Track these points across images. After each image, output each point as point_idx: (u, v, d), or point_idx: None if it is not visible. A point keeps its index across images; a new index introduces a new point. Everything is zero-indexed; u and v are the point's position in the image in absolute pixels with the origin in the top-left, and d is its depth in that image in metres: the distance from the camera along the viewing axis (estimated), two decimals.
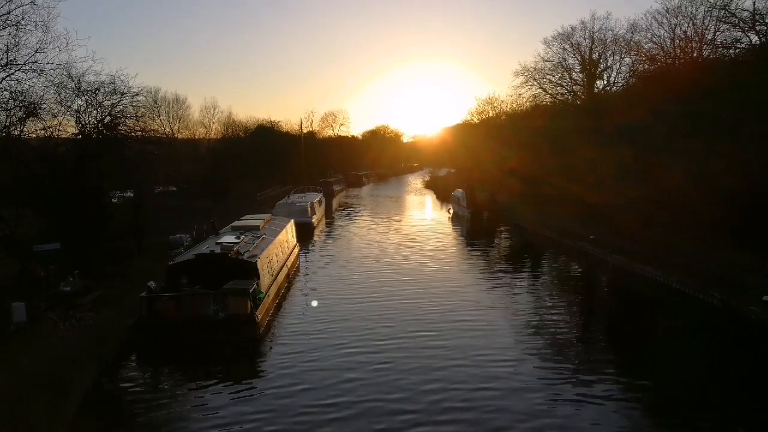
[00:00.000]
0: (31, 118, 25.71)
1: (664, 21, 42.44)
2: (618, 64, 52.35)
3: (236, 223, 31.05)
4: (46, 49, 24.22)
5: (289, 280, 29.17)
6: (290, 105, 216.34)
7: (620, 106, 42.40)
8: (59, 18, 40.85)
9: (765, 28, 33.25)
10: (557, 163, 47.05)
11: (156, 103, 66.84)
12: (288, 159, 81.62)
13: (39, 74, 24.29)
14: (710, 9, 37.83)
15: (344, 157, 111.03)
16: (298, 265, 33.62)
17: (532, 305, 24.42)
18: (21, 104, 24.69)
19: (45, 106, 26.31)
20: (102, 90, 28.37)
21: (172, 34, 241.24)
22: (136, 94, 29.94)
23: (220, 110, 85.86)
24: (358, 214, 61.91)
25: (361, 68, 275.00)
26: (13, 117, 25.04)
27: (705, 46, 39.79)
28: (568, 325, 22.08)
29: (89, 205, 27.14)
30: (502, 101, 77.43)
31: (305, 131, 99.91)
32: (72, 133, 28.44)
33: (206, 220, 34.46)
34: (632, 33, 48.12)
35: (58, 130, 27.63)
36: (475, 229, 48.60)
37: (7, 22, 22.97)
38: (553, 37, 54.88)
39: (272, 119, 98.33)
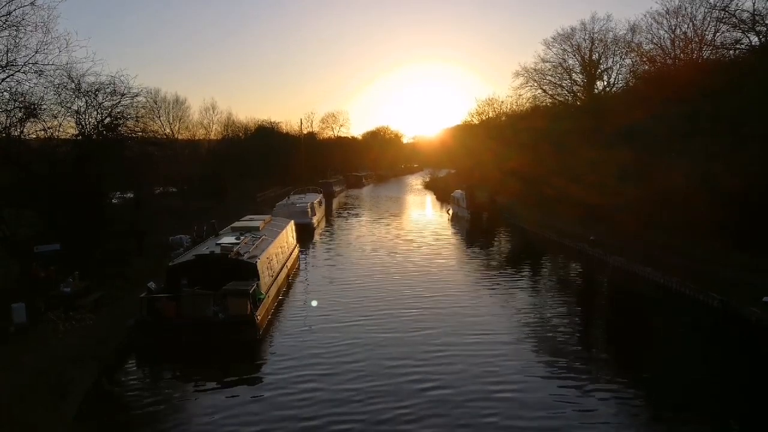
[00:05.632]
0: (31, 119, 25.78)
1: (664, 22, 42.45)
2: (618, 65, 52.38)
3: (236, 224, 31.03)
4: (46, 50, 24.30)
5: (290, 280, 29.15)
6: (290, 106, 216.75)
7: (620, 107, 42.41)
8: (59, 19, 41.02)
9: (765, 28, 33.28)
10: (557, 163, 47.06)
11: (156, 103, 66.71)
12: (288, 160, 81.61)
13: (39, 75, 24.35)
14: (710, 10, 37.86)
15: (344, 158, 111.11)
16: (299, 265, 33.61)
17: (532, 305, 24.39)
18: (21, 105, 24.73)
19: (45, 106, 26.41)
20: (102, 91, 28.43)
21: (172, 34, 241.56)
22: (136, 95, 30.02)
23: (219, 111, 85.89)
24: (358, 215, 61.90)
25: (361, 69, 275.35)
26: (13, 118, 25.11)
27: (705, 46, 39.78)
28: (568, 325, 22.05)
29: (89, 205, 27.15)
30: (502, 102, 77.57)
31: (305, 132, 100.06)
32: (72, 134, 28.50)
33: (206, 220, 34.53)
34: (632, 34, 48.17)
35: (58, 130, 27.70)
36: (474, 229, 48.57)
37: (7, 23, 23.00)
38: (553, 38, 54.91)
39: (272, 120, 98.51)
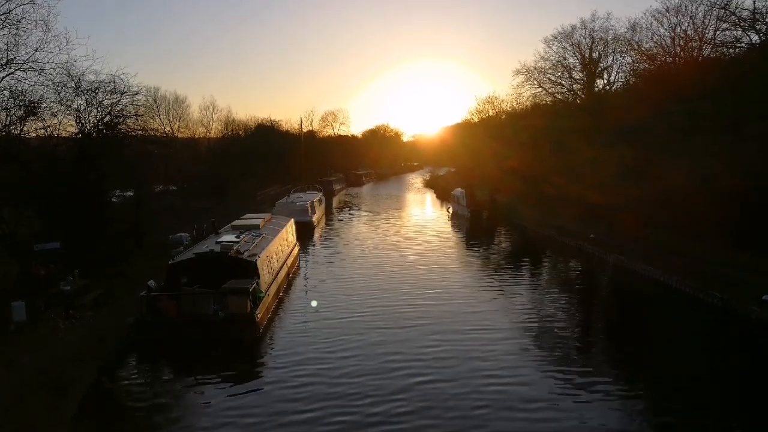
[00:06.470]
0: (31, 118, 25.69)
1: (664, 20, 42.40)
2: (618, 63, 52.29)
3: (236, 222, 31.03)
4: (45, 48, 24.19)
5: (289, 279, 29.17)
6: (290, 104, 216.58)
7: (620, 105, 42.41)
8: (59, 17, 41.01)
9: (765, 27, 33.23)
10: (557, 162, 47.04)
11: (156, 102, 66.77)
12: (288, 158, 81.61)
13: (39, 73, 24.26)
14: (710, 8, 37.81)
15: (344, 157, 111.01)
16: (298, 264, 33.62)
17: (531, 302, 24.43)
18: (21, 103, 24.65)
19: (45, 105, 26.32)
20: (102, 89, 28.38)
21: (172, 33, 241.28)
22: (136, 93, 29.99)
23: (219, 109, 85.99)
24: (358, 213, 61.92)
25: (362, 67, 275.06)
26: (13, 116, 25.02)
27: (705, 45, 39.75)
28: (568, 323, 22.06)
29: (89, 204, 27.13)
30: (502, 100, 77.42)
31: (305, 130, 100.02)
32: (72, 133, 28.46)
33: (206, 219, 34.51)
34: (632, 32, 48.06)
35: (58, 129, 27.65)
36: (474, 228, 48.58)
37: (7, 20, 22.93)
38: (553, 36, 54.83)
39: (272, 118, 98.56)
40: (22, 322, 18.94)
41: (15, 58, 23.52)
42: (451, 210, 58.93)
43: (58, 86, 26.36)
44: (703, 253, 27.76)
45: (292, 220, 36.86)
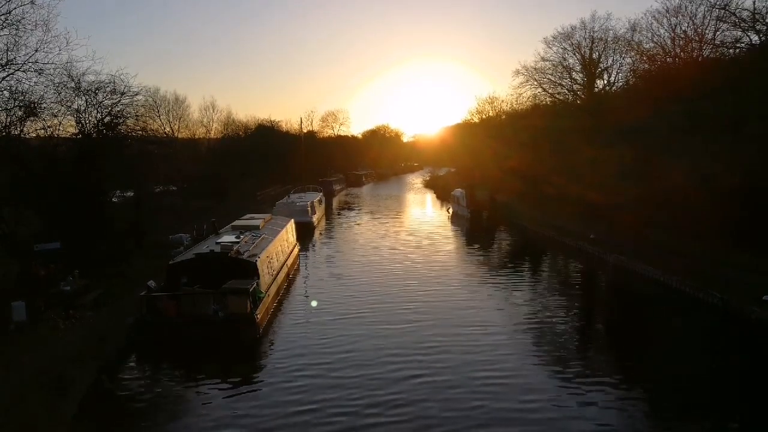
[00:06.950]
0: (31, 118, 25.69)
1: (664, 20, 42.40)
2: (618, 63, 52.30)
3: (236, 222, 31.05)
4: (46, 49, 24.19)
5: (289, 279, 29.17)
6: (290, 105, 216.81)
7: (620, 105, 42.40)
8: (59, 17, 40.74)
9: (765, 27, 33.23)
10: (557, 162, 47.06)
11: (156, 102, 66.71)
12: (288, 158, 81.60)
13: (39, 74, 24.25)
14: (710, 9, 37.81)
15: (344, 157, 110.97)
16: (298, 264, 33.63)
17: (532, 304, 24.43)
18: (21, 104, 24.66)
19: (45, 105, 26.28)
20: (102, 89, 28.39)
21: (172, 33, 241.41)
22: (136, 94, 30.01)
23: (219, 109, 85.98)
24: (358, 214, 61.92)
25: (362, 68, 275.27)
26: (13, 116, 25.03)
27: (705, 45, 39.74)
28: (568, 324, 22.08)
29: (89, 204, 27.13)
30: (503, 101, 77.46)
31: (305, 131, 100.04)
32: (72, 133, 28.46)
33: (206, 219, 34.50)
34: (632, 32, 48.08)
35: (58, 129, 27.63)
36: (474, 228, 48.60)
37: (7, 21, 22.93)
38: (553, 37, 54.83)
39: (272, 119, 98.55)
40: (22, 322, 18.93)
41: (15, 58, 23.54)
42: (451, 210, 58.93)
43: (58, 87, 26.38)
44: (703, 253, 27.74)
45: (292, 220, 36.85)
